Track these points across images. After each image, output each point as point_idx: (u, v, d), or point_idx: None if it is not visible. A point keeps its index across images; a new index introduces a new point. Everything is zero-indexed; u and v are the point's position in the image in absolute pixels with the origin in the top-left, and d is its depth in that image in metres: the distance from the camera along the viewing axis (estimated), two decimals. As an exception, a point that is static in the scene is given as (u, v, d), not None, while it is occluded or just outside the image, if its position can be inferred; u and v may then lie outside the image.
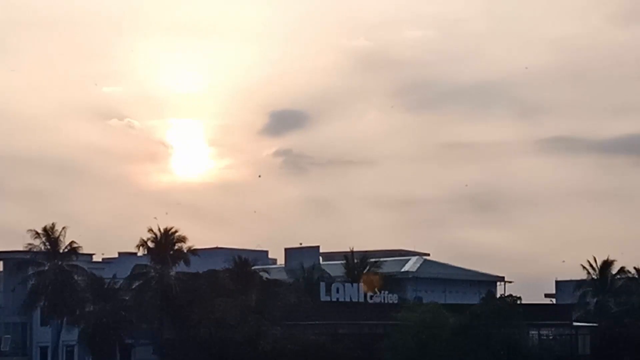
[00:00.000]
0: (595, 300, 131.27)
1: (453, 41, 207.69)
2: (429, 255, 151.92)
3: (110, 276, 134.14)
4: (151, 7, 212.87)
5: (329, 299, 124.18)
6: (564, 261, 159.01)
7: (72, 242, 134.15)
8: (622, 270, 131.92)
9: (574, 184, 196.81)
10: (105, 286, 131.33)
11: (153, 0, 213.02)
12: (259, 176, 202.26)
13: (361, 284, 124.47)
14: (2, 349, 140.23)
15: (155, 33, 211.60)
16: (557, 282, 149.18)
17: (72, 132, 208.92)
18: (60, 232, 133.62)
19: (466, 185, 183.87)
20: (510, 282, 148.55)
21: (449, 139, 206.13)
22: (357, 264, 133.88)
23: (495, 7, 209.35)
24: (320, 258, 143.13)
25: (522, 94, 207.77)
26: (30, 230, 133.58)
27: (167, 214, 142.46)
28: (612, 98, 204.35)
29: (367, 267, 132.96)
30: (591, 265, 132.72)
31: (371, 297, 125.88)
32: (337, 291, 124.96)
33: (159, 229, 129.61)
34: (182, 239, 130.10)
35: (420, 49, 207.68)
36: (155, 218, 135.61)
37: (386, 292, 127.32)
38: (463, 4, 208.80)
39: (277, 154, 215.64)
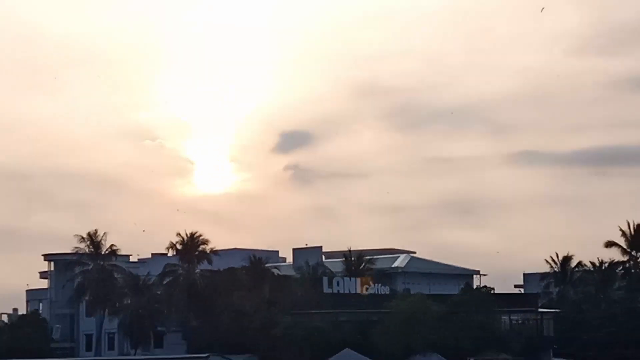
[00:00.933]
0: (557, 290, 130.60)
1: (434, 71, 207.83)
2: (415, 253, 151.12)
3: (145, 274, 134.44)
4: (180, 45, 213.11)
5: (330, 291, 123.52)
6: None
7: (112, 245, 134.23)
8: (579, 264, 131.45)
9: (538, 191, 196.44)
10: (141, 282, 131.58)
11: (182, 40, 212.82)
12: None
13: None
14: (53, 337, 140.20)
15: (183, 67, 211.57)
16: (525, 275, 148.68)
17: (112, 152, 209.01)
18: (102, 236, 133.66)
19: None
20: (484, 275, 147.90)
21: (431, 155, 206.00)
22: (355, 261, 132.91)
23: (469, 41, 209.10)
24: (323, 256, 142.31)
25: (492, 115, 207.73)
26: (77, 235, 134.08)
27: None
28: (570, 118, 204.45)
29: (363, 264, 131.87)
30: (553, 260, 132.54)
31: (367, 289, 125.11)
32: (338, 284, 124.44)
33: (186, 234, 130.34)
34: (205, 242, 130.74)
35: (406, 78, 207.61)
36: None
37: (379, 284, 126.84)
38: (442, 40, 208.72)
39: (287, 168, 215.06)
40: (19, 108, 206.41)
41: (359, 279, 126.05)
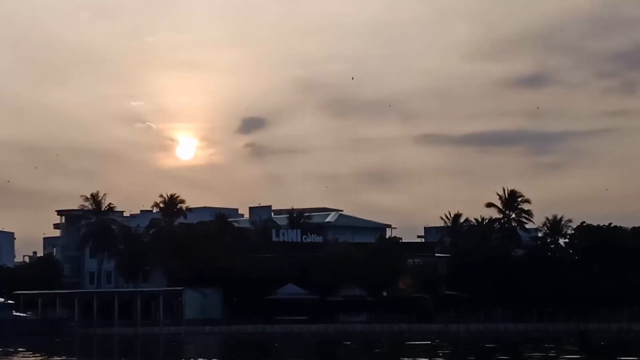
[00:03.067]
0: (449, 239, 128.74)
1: (359, 71, 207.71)
2: (342, 210, 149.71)
3: (135, 226, 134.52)
4: (165, 50, 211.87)
5: (277, 240, 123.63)
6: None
7: (110, 203, 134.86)
8: (466, 220, 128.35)
9: (436, 164, 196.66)
10: (132, 232, 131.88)
11: (166, 45, 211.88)
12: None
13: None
14: (64, 273, 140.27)
15: (166, 67, 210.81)
16: (425, 228, 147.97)
17: (111, 131, 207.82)
18: (102, 197, 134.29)
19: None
20: (395, 228, 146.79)
21: (356, 136, 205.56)
22: (296, 216, 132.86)
23: (386, 48, 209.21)
24: (272, 213, 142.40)
25: (403, 106, 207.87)
26: (82, 195, 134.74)
27: None
28: (461, 109, 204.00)
29: (302, 219, 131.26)
30: (447, 217, 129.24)
31: (305, 238, 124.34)
32: (283, 234, 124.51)
33: (167, 195, 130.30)
34: (182, 201, 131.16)
35: (338, 77, 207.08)
36: None
37: (314, 235, 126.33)
38: (365, 47, 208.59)
39: (246, 145, 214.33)
40: (38, 97, 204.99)
41: (299, 231, 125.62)
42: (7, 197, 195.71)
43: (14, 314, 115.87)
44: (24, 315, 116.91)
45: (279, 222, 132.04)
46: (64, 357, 68.34)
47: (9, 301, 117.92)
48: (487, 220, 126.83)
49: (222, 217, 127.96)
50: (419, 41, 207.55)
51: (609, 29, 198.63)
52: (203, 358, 63.02)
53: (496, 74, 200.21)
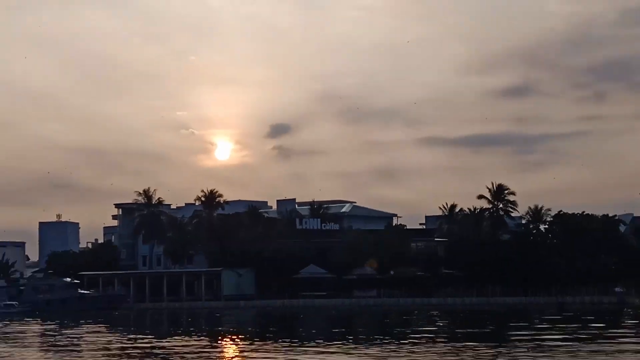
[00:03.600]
0: (446, 226, 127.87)
1: (371, 84, 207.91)
2: (356, 202, 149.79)
3: (181, 216, 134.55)
4: (204, 68, 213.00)
5: (301, 228, 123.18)
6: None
7: (159, 197, 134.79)
8: (461, 210, 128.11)
9: (437, 163, 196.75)
10: (178, 222, 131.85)
11: (205, 65, 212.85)
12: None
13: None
14: (121, 257, 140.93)
15: (206, 83, 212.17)
16: (427, 217, 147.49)
17: (161, 137, 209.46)
18: (153, 192, 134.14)
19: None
20: (400, 217, 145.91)
21: (368, 139, 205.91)
22: (316, 208, 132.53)
23: (394, 64, 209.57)
24: (296, 205, 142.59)
25: (408, 114, 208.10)
26: (136, 191, 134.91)
27: None
28: (458, 115, 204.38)
29: (322, 210, 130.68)
30: (445, 207, 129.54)
31: (324, 226, 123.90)
32: (305, 223, 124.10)
33: (207, 190, 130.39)
34: (220, 195, 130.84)
35: (352, 88, 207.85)
36: None
37: (332, 223, 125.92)
38: (376, 62, 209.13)
39: (274, 148, 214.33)
40: (100, 108, 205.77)
41: (319, 219, 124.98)
42: (74, 193, 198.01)
43: (79, 291, 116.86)
44: (88, 292, 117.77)
45: (302, 213, 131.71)
46: (121, 328, 69.02)
47: (75, 281, 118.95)
48: (478, 210, 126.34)
49: (254, 209, 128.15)
50: (421, 58, 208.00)
51: (582, 47, 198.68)
52: (239, 328, 63.36)
53: (486, 85, 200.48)
